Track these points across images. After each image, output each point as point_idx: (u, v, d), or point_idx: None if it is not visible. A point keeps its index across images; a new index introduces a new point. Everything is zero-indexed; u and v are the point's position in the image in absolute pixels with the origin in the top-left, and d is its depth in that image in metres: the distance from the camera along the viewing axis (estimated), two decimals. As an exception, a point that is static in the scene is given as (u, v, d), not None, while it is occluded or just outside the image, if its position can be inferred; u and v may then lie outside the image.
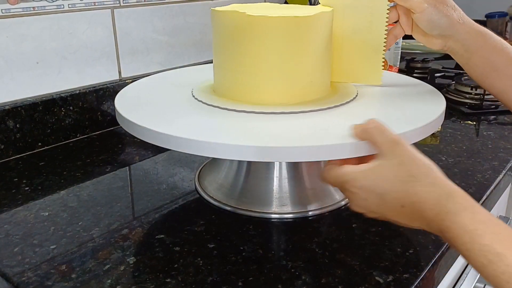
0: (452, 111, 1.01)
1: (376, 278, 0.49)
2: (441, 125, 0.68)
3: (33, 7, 0.77)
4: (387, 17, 0.62)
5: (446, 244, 0.54)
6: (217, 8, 0.59)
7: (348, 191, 0.46)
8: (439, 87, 0.72)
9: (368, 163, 0.45)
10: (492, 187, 0.67)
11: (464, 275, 0.71)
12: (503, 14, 1.60)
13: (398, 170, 0.43)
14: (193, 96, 0.62)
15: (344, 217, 0.61)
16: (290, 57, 0.57)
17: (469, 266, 0.72)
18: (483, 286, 0.73)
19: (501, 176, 0.71)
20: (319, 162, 0.65)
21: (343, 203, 0.63)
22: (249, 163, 0.64)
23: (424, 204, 0.41)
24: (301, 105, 0.58)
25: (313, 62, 0.59)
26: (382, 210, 0.45)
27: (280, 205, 0.61)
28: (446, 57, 1.46)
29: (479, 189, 0.66)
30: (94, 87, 0.87)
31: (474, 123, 0.95)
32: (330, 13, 0.60)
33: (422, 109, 0.58)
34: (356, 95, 0.62)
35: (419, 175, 0.42)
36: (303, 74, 0.59)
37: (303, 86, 0.59)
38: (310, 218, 0.60)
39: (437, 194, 0.41)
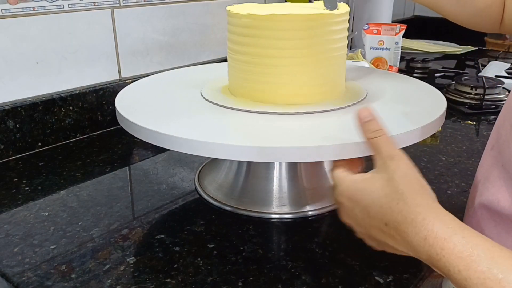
0: (452, 111, 1.01)
1: (376, 278, 0.49)
2: (441, 125, 0.68)
3: (33, 7, 0.77)
4: None
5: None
6: (232, 7, 0.59)
7: (337, 199, 0.45)
8: (439, 87, 0.72)
9: (362, 174, 0.43)
10: (492, 187, 0.67)
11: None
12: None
13: (387, 185, 0.40)
14: (202, 95, 0.63)
15: (344, 217, 0.61)
16: (303, 57, 0.57)
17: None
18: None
19: (501, 176, 0.71)
20: (319, 162, 0.65)
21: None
22: (249, 163, 0.64)
23: (409, 226, 0.37)
24: (306, 106, 0.58)
25: (326, 62, 0.59)
26: (367, 225, 0.42)
27: (280, 205, 0.61)
28: (446, 57, 1.46)
29: (479, 189, 0.66)
30: (94, 87, 0.87)
31: (474, 123, 0.95)
32: (346, 13, 0.60)
33: (423, 109, 0.58)
34: (365, 97, 0.62)
35: (406, 193, 0.38)
36: (314, 75, 0.59)
37: (313, 88, 0.59)
38: (310, 218, 0.60)
39: (422, 217, 0.37)
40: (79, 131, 0.86)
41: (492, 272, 0.33)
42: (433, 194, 0.40)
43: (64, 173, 0.72)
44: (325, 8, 0.59)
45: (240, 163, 0.65)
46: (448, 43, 1.51)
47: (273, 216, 0.60)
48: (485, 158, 0.51)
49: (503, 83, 1.07)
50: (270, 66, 0.58)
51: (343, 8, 0.60)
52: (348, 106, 0.59)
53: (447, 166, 0.74)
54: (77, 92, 0.84)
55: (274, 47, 0.57)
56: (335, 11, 0.58)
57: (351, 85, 0.67)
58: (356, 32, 1.31)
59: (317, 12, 0.57)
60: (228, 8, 0.60)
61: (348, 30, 0.62)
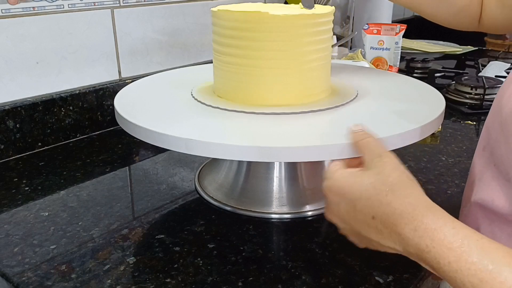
0: (452, 111, 1.01)
1: (376, 278, 0.49)
2: (441, 125, 0.68)
3: (33, 7, 0.77)
4: None
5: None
6: (217, 8, 0.59)
7: (325, 194, 0.44)
8: (439, 87, 0.72)
9: (353, 169, 0.43)
10: (492, 187, 0.67)
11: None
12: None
13: (376, 179, 0.40)
14: (193, 96, 0.62)
15: (344, 217, 0.61)
16: (292, 57, 0.57)
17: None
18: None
19: (501, 176, 0.71)
20: (319, 162, 0.65)
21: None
22: (249, 163, 0.64)
23: (398, 217, 0.37)
24: (302, 106, 0.58)
25: (314, 62, 0.59)
26: (352, 220, 0.42)
27: (280, 205, 0.61)
28: (446, 57, 1.46)
29: (479, 189, 0.66)
30: (94, 87, 0.87)
31: (474, 123, 0.95)
32: (331, 13, 0.60)
33: (422, 109, 0.58)
34: (356, 96, 0.62)
35: (395, 186, 0.38)
36: (304, 74, 0.59)
37: (303, 87, 0.59)
38: (310, 218, 0.60)
39: (412, 207, 0.37)
40: (79, 131, 0.86)
41: (483, 263, 0.32)
42: (421, 188, 0.39)
43: (64, 173, 0.72)
44: (302, 7, 0.59)
45: (240, 163, 0.65)
46: (448, 43, 1.51)
47: (273, 216, 0.60)
48: (477, 159, 0.52)
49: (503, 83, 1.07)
50: (255, 68, 0.57)
51: (327, 9, 0.60)
52: (342, 104, 0.59)
53: (447, 166, 0.74)
54: (77, 92, 0.84)
55: (258, 49, 0.56)
56: (313, 11, 0.58)
57: (342, 84, 0.67)
58: (356, 32, 1.31)
59: (300, 12, 0.56)
60: (212, 9, 0.60)
61: (348, 30, 0.62)
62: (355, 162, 0.46)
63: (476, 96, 1.04)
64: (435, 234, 0.35)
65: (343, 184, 0.42)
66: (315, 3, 0.61)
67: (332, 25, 0.61)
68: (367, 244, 0.42)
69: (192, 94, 0.63)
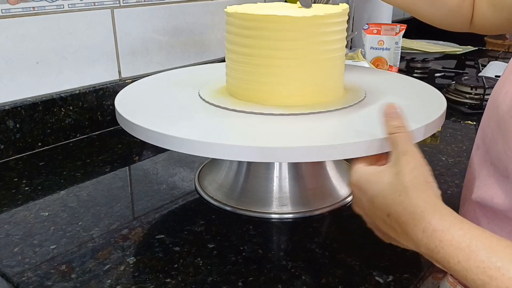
0: (452, 111, 1.01)
1: (376, 278, 0.49)
2: (441, 125, 0.68)
3: (33, 7, 0.77)
4: None
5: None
6: (231, 9, 0.59)
7: (351, 189, 0.46)
8: (439, 87, 0.72)
9: (376, 167, 0.44)
10: (492, 187, 0.67)
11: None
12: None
13: (394, 177, 0.41)
14: (200, 96, 0.62)
15: (344, 217, 0.61)
16: (302, 58, 0.57)
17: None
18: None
19: (501, 176, 0.71)
20: (319, 162, 0.65)
21: (343, 203, 0.63)
22: (249, 163, 0.64)
23: (408, 217, 0.38)
24: (305, 108, 0.57)
25: (325, 63, 0.59)
26: (372, 216, 0.43)
27: (280, 205, 0.61)
28: (446, 57, 1.46)
29: (479, 189, 0.66)
30: (94, 87, 0.87)
31: (474, 123, 0.95)
32: (344, 13, 0.60)
33: (423, 109, 0.58)
34: (364, 98, 0.62)
35: (409, 187, 0.39)
36: (314, 75, 0.58)
37: (312, 88, 0.59)
38: (310, 218, 0.60)
39: (421, 209, 0.37)
40: (79, 131, 0.86)
41: (491, 261, 0.33)
42: (437, 190, 0.40)
43: (64, 173, 0.72)
44: (300, 6, 0.60)
45: (240, 163, 0.65)
46: (448, 43, 1.51)
47: (273, 216, 0.60)
48: (473, 158, 0.52)
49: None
50: (268, 67, 0.57)
51: (342, 7, 0.60)
52: (347, 107, 0.59)
53: (447, 166, 0.74)
54: (77, 92, 0.84)
55: (271, 48, 0.56)
56: (325, 11, 0.58)
57: (350, 86, 0.67)
58: (356, 32, 1.31)
59: (315, 13, 0.56)
60: (226, 8, 0.60)
61: (348, 30, 0.62)
62: (382, 156, 0.46)
63: (476, 96, 1.04)
64: (443, 235, 0.36)
65: (364, 180, 0.43)
66: (315, 3, 0.61)
67: (346, 26, 0.61)
68: (389, 239, 0.44)
69: (199, 94, 0.63)
